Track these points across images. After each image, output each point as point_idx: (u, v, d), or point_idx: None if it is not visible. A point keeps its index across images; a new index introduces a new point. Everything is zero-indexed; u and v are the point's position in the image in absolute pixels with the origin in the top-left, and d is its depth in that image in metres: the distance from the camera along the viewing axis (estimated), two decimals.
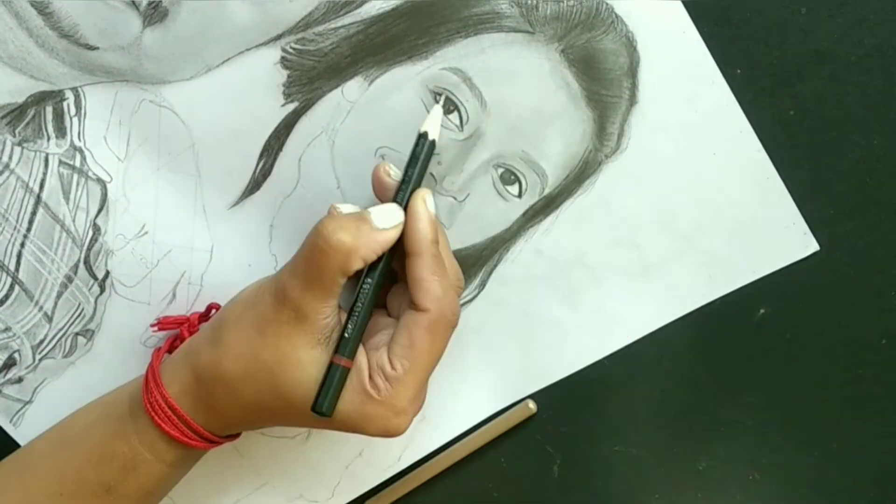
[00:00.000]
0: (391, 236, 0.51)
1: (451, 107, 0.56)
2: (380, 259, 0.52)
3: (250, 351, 0.51)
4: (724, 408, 0.63)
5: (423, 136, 0.53)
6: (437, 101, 0.56)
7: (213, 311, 0.60)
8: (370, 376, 0.51)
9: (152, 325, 0.60)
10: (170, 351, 0.57)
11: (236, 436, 0.57)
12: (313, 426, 0.54)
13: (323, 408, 0.50)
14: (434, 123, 0.53)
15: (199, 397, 0.53)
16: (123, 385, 0.57)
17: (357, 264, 0.50)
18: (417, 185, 0.53)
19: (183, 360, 0.54)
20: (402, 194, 0.52)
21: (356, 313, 0.51)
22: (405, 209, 0.52)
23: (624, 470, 0.65)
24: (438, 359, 0.52)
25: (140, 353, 0.62)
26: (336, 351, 0.51)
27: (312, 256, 0.50)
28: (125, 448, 0.54)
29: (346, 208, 0.52)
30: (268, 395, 0.51)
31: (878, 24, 0.55)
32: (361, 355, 0.52)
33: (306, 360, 0.50)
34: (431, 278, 0.51)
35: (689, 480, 0.65)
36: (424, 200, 0.52)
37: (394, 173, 0.53)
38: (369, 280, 0.52)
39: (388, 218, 0.51)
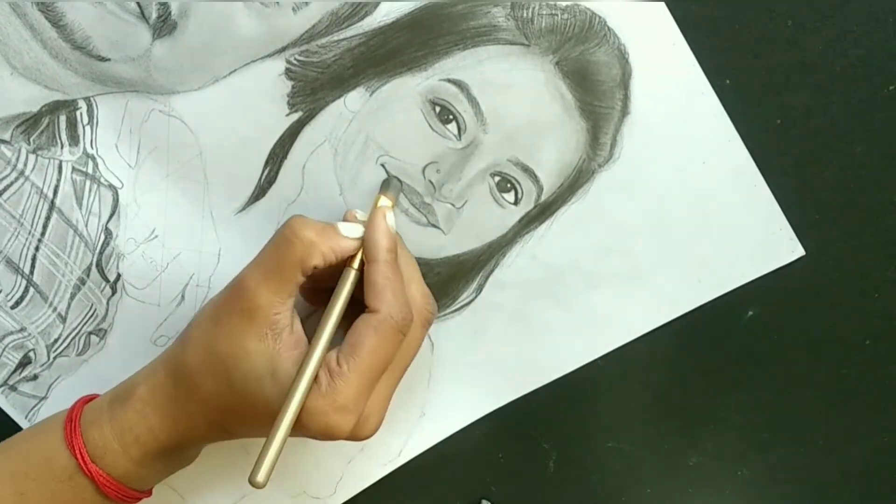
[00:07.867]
0: (351, 245, 0.54)
1: (448, 117, 0.57)
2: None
3: (207, 342, 0.53)
4: (713, 406, 0.64)
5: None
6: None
7: None
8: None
9: None
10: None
11: (148, 493, 0.58)
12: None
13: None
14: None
15: (168, 395, 0.54)
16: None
17: (316, 259, 0.52)
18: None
19: (159, 360, 0.56)
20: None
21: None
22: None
23: (617, 465, 0.66)
24: (386, 361, 0.52)
25: (150, 350, 0.62)
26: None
27: (276, 247, 0.52)
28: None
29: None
30: (225, 389, 0.52)
31: (861, 35, 0.55)
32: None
33: (254, 352, 0.51)
34: (384, 282, 0.52)
35: (679, 475, 0.66)
36: (384, 215, 0.55)
37: (360, 215, 0.56)
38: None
39: (351, 229, 0.54)
